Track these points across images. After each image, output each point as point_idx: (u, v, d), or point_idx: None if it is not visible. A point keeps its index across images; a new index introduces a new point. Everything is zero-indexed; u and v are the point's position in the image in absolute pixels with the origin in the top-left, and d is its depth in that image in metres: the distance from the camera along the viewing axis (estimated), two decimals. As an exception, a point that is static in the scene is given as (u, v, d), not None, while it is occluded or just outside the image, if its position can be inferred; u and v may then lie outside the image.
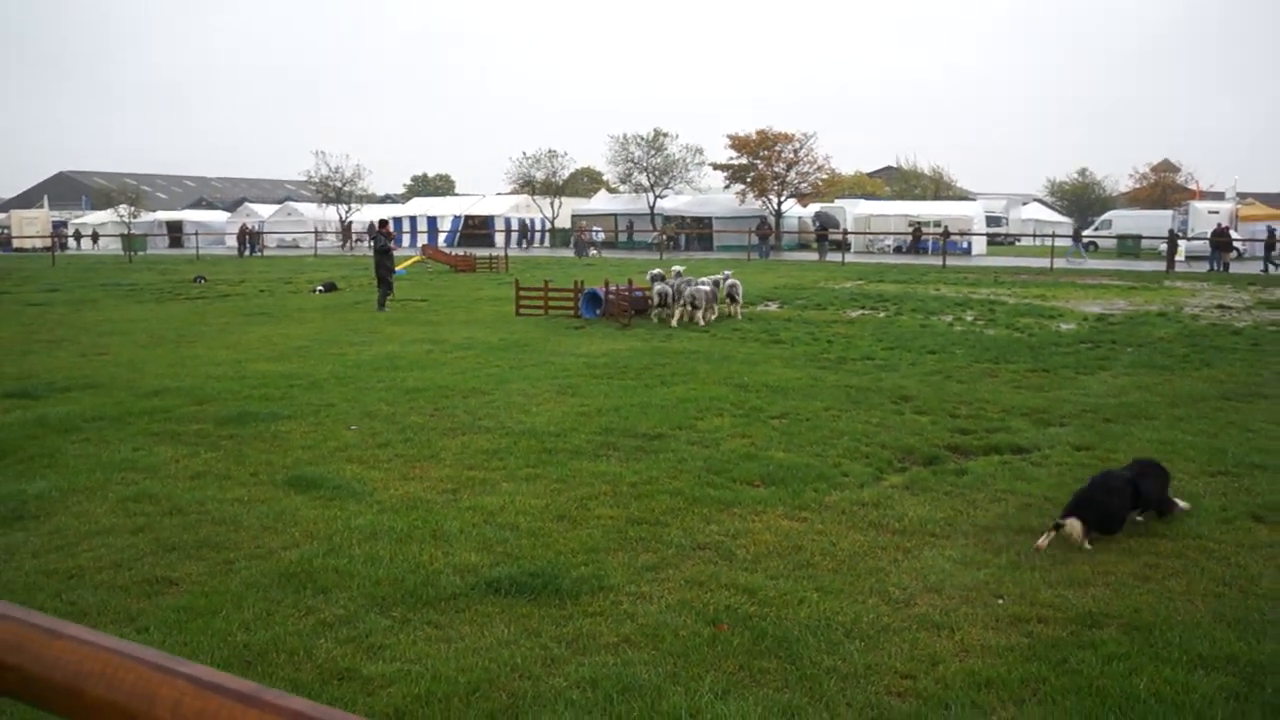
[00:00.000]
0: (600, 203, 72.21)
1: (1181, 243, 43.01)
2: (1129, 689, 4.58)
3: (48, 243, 64.12)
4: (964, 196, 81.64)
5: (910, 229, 56.47)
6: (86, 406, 10.99)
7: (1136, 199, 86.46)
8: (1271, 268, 39.03)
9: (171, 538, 6.72)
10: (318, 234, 64.88)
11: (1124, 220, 62.89)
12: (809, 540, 6.67)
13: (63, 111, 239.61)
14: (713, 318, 19.87)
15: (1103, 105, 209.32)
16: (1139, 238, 53.37)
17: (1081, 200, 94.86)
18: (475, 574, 6.01)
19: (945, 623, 5.35)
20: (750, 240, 52.94)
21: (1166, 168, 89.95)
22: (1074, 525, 6.53)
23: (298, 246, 68.77)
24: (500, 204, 72.68)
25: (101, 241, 73.62)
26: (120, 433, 9.80)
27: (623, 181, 69.97)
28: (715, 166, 66.98)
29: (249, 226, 65.05)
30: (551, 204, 71.63)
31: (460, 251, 48.95)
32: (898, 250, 56.70)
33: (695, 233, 63.96)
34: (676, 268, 21.68)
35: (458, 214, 71.34)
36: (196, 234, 64.54)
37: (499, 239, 64.74)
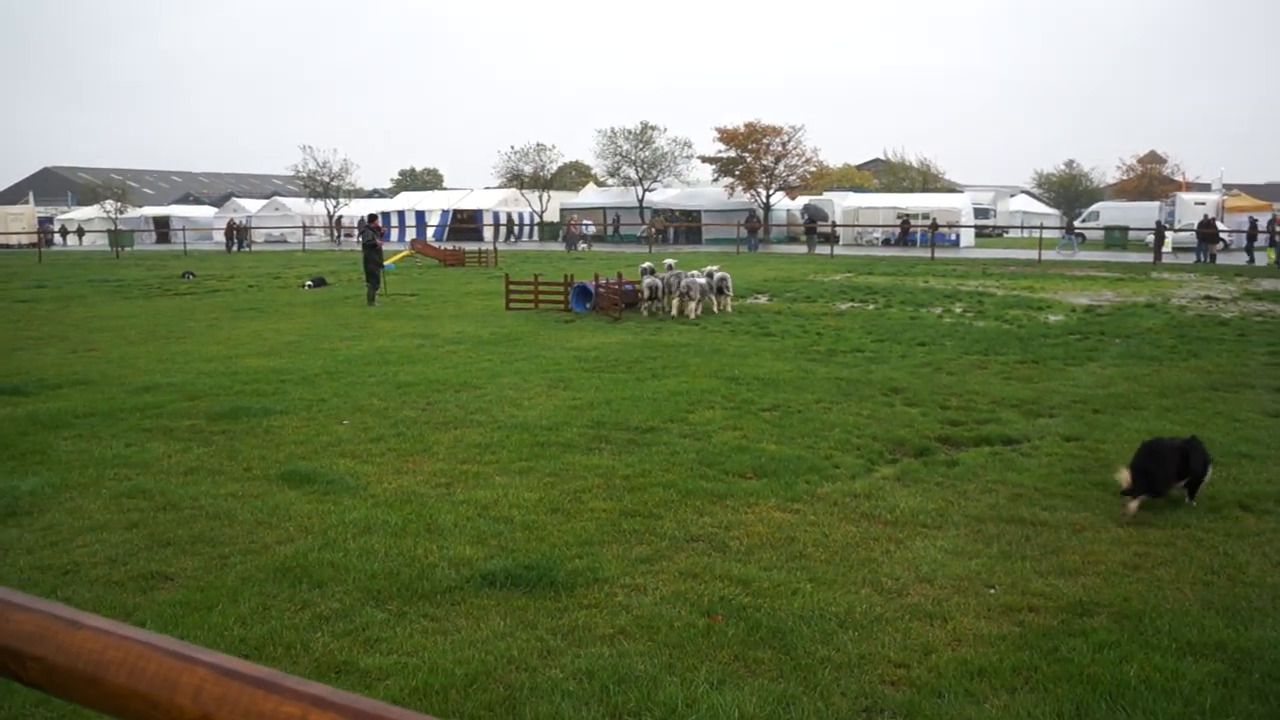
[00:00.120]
0: (589, 196, 72.20)
1: (1168, 234, 43.17)
2: (1119, 676, 4.63)
3: (34, 239, 63.88)
4: (952, 188, 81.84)
5: (898, 221, 56.59)
6: (77, 403, 10.98)
7: (1124, 190, 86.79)
8: (1253, 257, 39.38)
9: (166, 533, 6.73)
10: (306, 229, 64.74)
11: (1111, 212, 63.12)
12: (801, 531, 6.72)
13: (47, 107, 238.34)
14: (700, 311, 19.88)
15: (1090, 96, 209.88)
16: (1126, 229, 53.55)
17: (1069, 192, 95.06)
18: (470, 567, 6.03)
19: (938, 612, 5.39)
20: (739, 233, 52.95)
21: (1153, 159, 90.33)
22: (1124, 474, 7.10)
23: (286, 241, 68.60)
24: (489, 198, 72.55)
25: (88, 237, 73.33)
26: (112, 429, 9.80)
27: (611, 175, 69.96)
28: (703, 159, 67.05)
29: (237, 222, 64.83)
30: (540, 198, 71.57)
31: (449, 246, 48.91)
32: (886, 243, 56.81)
33: (684, 225, 63.97)
34: (668, 261, 21.70)
35: (446, 208, 71.22)
36: (184, 229, 64.48)
37: (487, 233, 64.70)
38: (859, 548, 6.43)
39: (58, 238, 75.33)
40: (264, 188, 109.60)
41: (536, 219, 71.91)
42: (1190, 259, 40.50)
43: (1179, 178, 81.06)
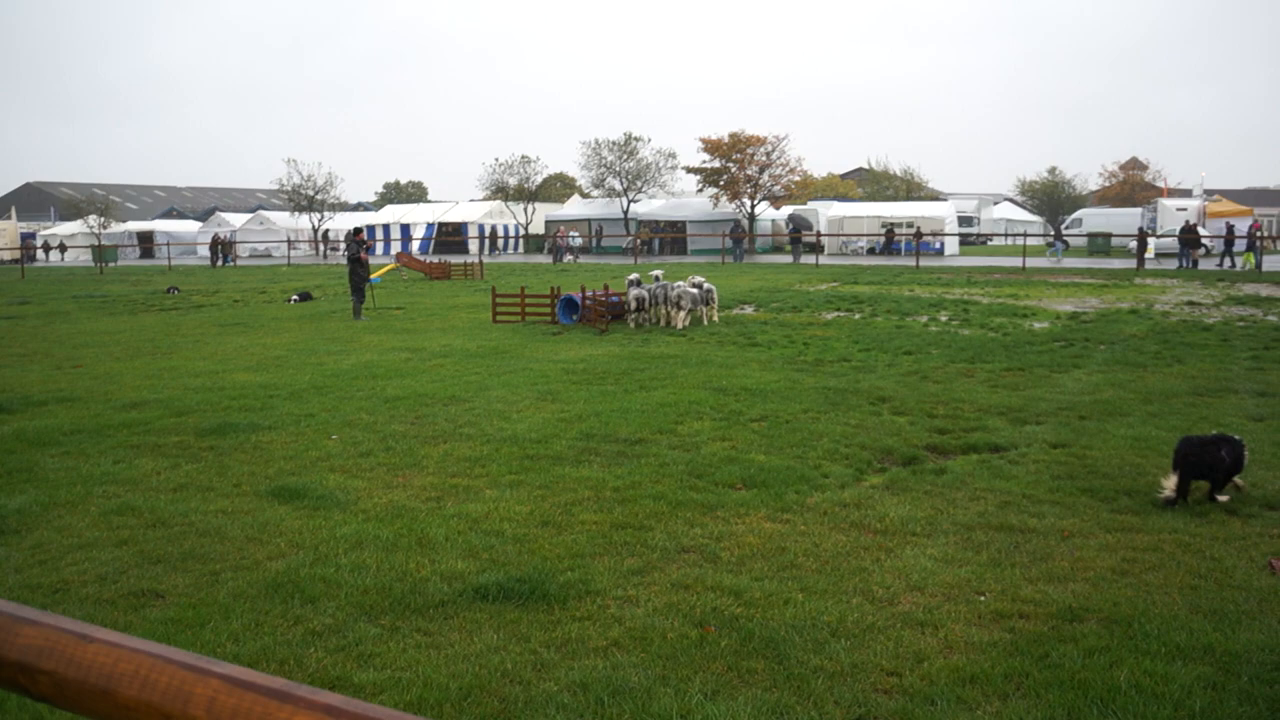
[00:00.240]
0: (574, 208, 72.26)
1: (1151, 240, 43.45)
2: (1110, 681, 4.66)
3: (16, 255, 63.57)
4: (935, 197, 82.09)
5: (883, 230, 56.80)
6: (64, 420, 10.94)
7: (1106, 197, 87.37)
8: (1230, 262, 39.79)
9: (156, 550, 6.71)
10: (291, 243, 64.62)
11: (1094, 218, 63.46)
12: (792, 541, 6.74)
13: (28, 122, 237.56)
14: (688, 322, 19.91)
15: (1072, 104, 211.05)
16: (1109, 236, 53.84)
17: (1052, 199, 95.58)
18: (462, 581, 6.04)
19: (929, 620, 5.42)
20: (724, 243, 53.09)
21: (1135, 165, 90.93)
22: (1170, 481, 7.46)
23: (270, 256, 68.48)
24: (474, 210, 72.54)
25: (71, 253, 73.03)
26: (99, 446, 9.76)
27: (596, 186, 70.05)
28: (688, 170, 67.25)
29: (221, 236, 64.65)
30: (525, 210, 71.60)
31: (435, 259, 48.88)
32: (871, 252, 57.01)
33: (669, 236, 64.08)
34: (655, 272, 21.74)
35: (431, 221, 71.16)
36: (168, 244, 64.31)
37: (473, 246, 64.68)
38: (849, 557, 6.45)
39: (40, 253, 74.98)
40: (248, 202, 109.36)
41: (521, 231, 71.93)
42: (1173, 265, 40.76)
43: (1160, 184, 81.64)
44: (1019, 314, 21.52)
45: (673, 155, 68.69)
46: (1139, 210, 63.04)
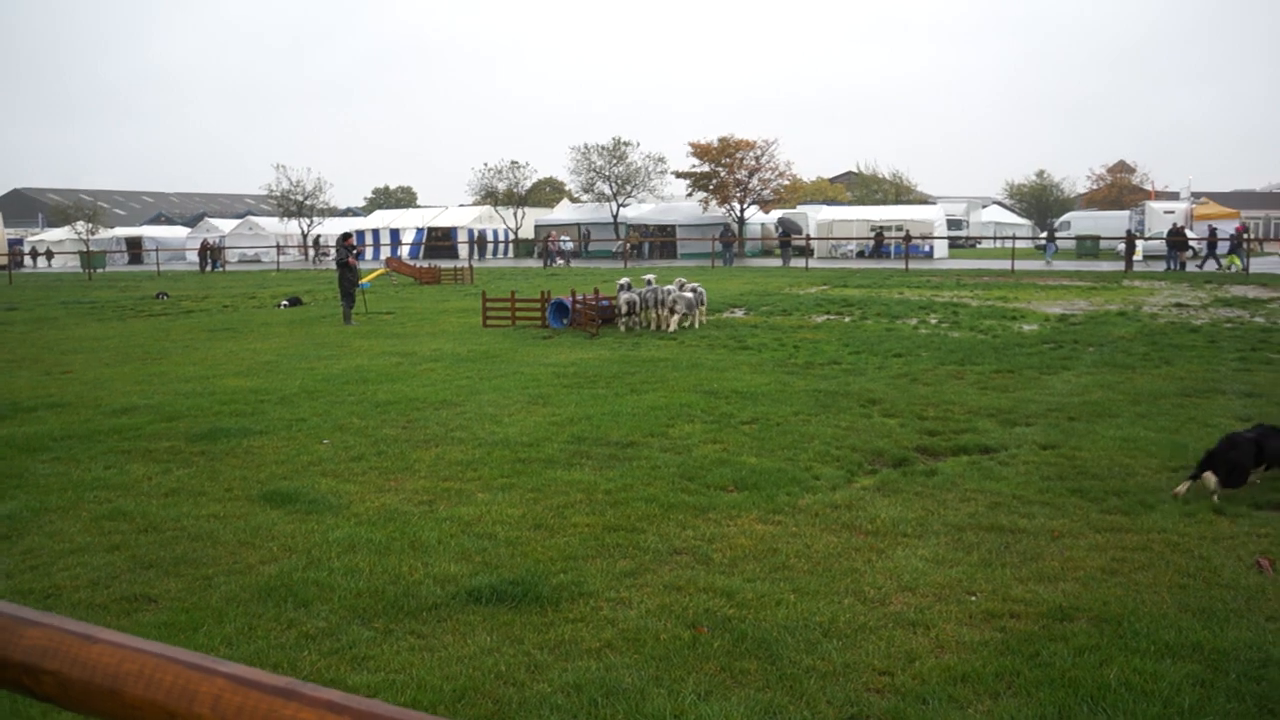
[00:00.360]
0: (563, 212, 72.34)
1: (1139, 243, 43.63)
2: (1100, 679, 4.69)
3: (4, 261, 63.30)
4: (924, 200, 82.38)
5: (872, 233, 56.95)
6: (54, 426, 10.92)
7: (1094, 200, 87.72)
8: (1214, 264, 40.12)
9: (148, 555, 6.71)
10: (280, 248, 64.50)
11: (1082, 221, 63.74)
12: (784, 543, 6.76)
13: (16, 128, 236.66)
14: (678, 325, 19.95)
15: (1059, 107, 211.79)
16: (1097, 238, 54.04)
17: (1040, 202, 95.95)
18: (455, 584, 6.05)
19: (920, 620, 5.44)
20: (714, 247, 53.16)
21: (1123, 169, 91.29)
22: (1209, 477, 7.59)
23: (260, 261, 68.38)
24: (463, 215, 72.54)
25: (59, 259, 72.76)
26: (90, 451, 9.74)
27: (585, 191, 70.13)
28: (677, 174, 67.33)
29: (210, 242, 64.49)
30: (514, 215, 71.60)
31: (424, 264, 48.86)
32: (860, 255, 57.15)
33: (659, 240, 64.14)
34: (648, 276, 21.77)
35: (420, 226, 71.13)
36: (156, 250, 64.06)
37: (462, 250, 64.67)
38: (841, 558, 6.48)
39: (28, 260, 74.69)
40: (237, 207, 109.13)
41: (511, 236, 71.94)
42: (1161, 267, 40.94)
43: (1148, 187, 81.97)
44: (1008, 316, 21.59)
45: (662, 159, 68.90)
46: (1127, 213, 63.26)
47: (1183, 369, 13.94)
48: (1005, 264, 42.49)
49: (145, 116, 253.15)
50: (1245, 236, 42.15)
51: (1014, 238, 50.28)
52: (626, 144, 68.13)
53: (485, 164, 76.36)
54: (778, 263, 51.54)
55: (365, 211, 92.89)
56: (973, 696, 4.60)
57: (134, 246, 76.04)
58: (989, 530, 6.98)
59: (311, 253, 66.75)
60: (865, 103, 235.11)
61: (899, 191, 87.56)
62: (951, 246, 62.20)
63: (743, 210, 63.35)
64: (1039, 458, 9.00)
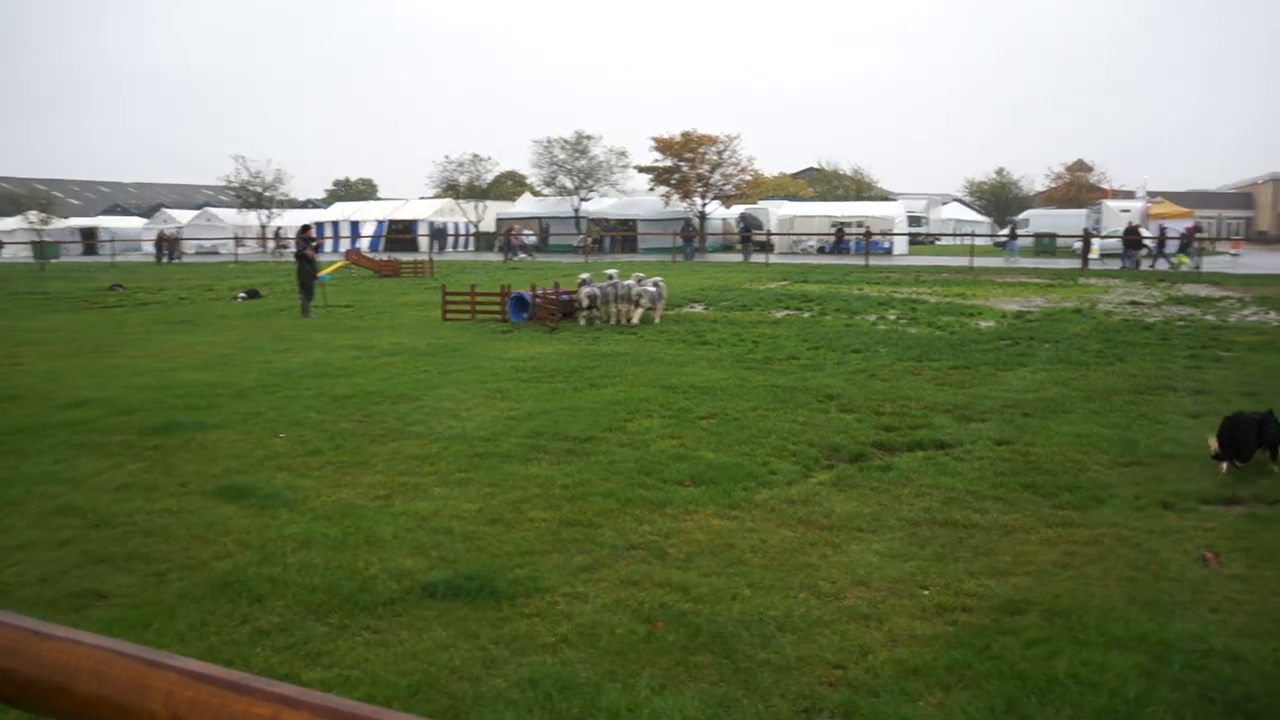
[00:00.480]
0: (525, 206, 72.14)
1: (1095, 241, 44.18)
2: (1049, 671, 4.77)
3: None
4: (885, 197, 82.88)
5: (833, 229, 57.24)
6: (2, 419, 10.77)
7: (1052, 198, 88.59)
8: (1164, 263, 40.81)
9: (99, 550, 6.64)
10: (238, 240, 63.86)
11: (1040, 219, 64.39)
12: (740, 538, 6.81)
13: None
14: (639, 319, 20.00)
15: (1019, 105, 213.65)
16: (1055, 236, 54.63)
17: (999, 200, 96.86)
18: (411, 579, 6.04)
19: (873, 614, 5.51)
20: (675, 242, 53.20)
21: (1081, 167, 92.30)
22: (1212, 441, 8.35)
23: (217, 253, 67.64)
24: (424, 208, 72.16)
25: (10, 249, 71.59)
26: (39, 445, 9.62)
27: (547, 184, 69.96)
28: (640, 169, 67.34)
29: (167, 233, 63.74)
30: (476, 208, 71.32)
31: (385, 256, 48.59)
32: (821, 251, 57.44)
33: (620, 235, 64.14)
34: (610, 271, 21.78)
35: (381, 219, 70.70)
36: (112, 241, 63.23)
37: (423, 243, 64.34)
38: (796, 553, 6.53)
39: (-22, 250, 73.41)
40: (194, 198, 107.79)
41: (473, 229, 71.65)
42: (1116, 265, 41.49)
43: (1105, 186, 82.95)
44: (966, 313, 21.80)
45: (624, 154, 68.82)
46: (1084, 211, 63.99)
47: (1135, 366, 14.15)
48: (964, 261, 42.90)
49: (102, 106, 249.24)
50: (1195, 236, 42.84)
51: (973, 235, 50.78)
52: (589, 138, 68.07)
53: (447, 157, 76.12)
54: (739, 258, 51.71)
55: (325, 203, 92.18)
56: (924, 689, 4.67)
57: (89, 237, 74.94)
58: (943, 525, 7.07)
59: (271, 244, 66.20)
60: (828, 100, 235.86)
61: (860, 188, 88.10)
62: (911, 243, 62.59)
63: (704, 205, 63.47)
64: (993, 453, 9.11)
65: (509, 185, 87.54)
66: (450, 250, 69.35)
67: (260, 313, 24.20)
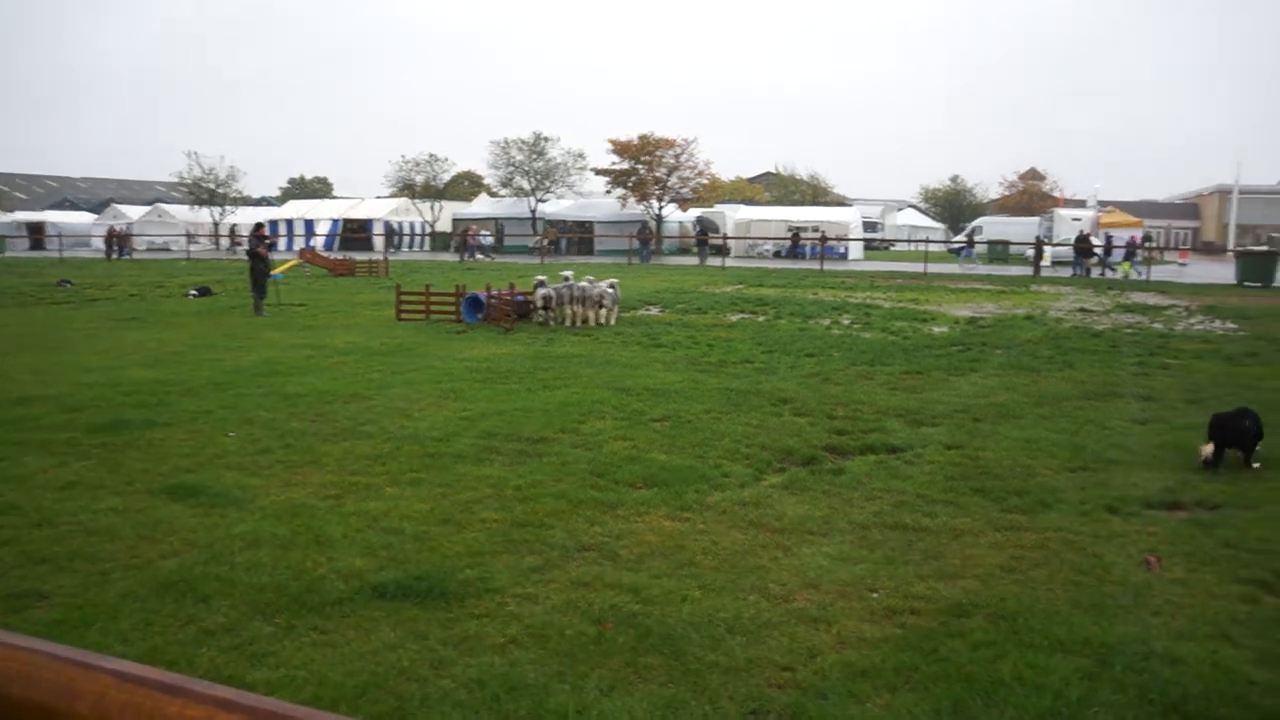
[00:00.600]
0: (481, 206, 71.92)
1: (1047, 249, 44.76)
2: (994, 674, 4.82)
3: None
4: (841, 202, 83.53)
5: (789, 234, 57.56)
6: (-54, 416, 10.56)
7: (1005, 206, 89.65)
8: (1109, 271, 41.57)
9: (41, 550, 6.53)
10: (190, 237, 63.10)
11: (994, 226, 65.15)
12: (691, 540, 6.82)
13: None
14: (600, 320, 20.00)
15: (976, 114, 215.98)
16: (1008, 243, 55.30)
17: (954, 206, 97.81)
18: (360, 579, 5.99)
19: (823, 616, 5.54)
20: (631, 244, 53.25)
21: (1034, 176, 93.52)
22: (1205, 448, 8.79)
23: (169, 250, 66.80)
24: (380, 207, 71.69)
25: (-46, 244, 70.33)
26: (-17, 442, 9.45)
27: (504, 185, 69.78)
28: (597, 171, 67.33)
29: (117, 229, 62.80)
30: (432, 208, 70.94)
31: (339, 255, 48.22)
32: (777, 255, 57.79)
33: (577, 236, 64.08)
34: (565, 273, 21.76)
35: (336, 217, 70.15)
36: (60, 236, 62.20)
37: (378, 243, 63.93)
38: (747, 555, 6.55)
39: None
40: (146, 194, 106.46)
41: (428, 229, 71.27)
42: (1067, 273, 42.05)
43: (1058, 194, 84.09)
44: (919, 318, 21.98)
45: (582, 156, 68.83)
46: (1036, 219, 64.80)
47: (1084, 372, 14.33)
48: (918, 266, 43.27)
49: (53, 101, 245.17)
50: (1141, 245, 43.61)
51: (928, 241, 51.22)
52: (547, 139, 68.04)
53: (403, 156, 75.58)
54: (695, 261, 51.85)
55: (280, 201, 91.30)
56: (871, 691, 4.70)
57: (36, 232, 73.71)
58: (893, 528, 7.12)
59: (225, 241, 65.44)
60: (786, 105, 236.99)
61: (816, 193, 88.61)
62: (866, 248, 63.09)
63: (661, 208, 63.55)
64: (944, 457, 9.20)
65: (465, 186, 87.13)
66: (406, 250, 68.96)
67: (212, 310, 23.92)
